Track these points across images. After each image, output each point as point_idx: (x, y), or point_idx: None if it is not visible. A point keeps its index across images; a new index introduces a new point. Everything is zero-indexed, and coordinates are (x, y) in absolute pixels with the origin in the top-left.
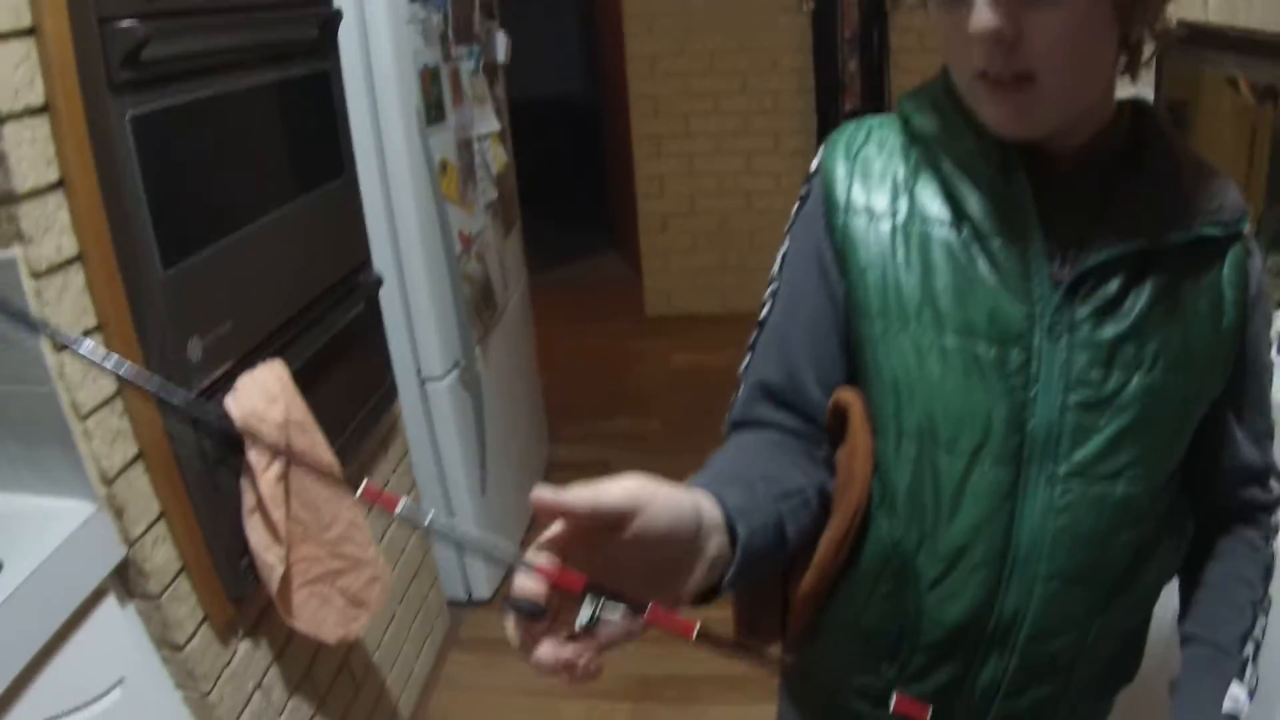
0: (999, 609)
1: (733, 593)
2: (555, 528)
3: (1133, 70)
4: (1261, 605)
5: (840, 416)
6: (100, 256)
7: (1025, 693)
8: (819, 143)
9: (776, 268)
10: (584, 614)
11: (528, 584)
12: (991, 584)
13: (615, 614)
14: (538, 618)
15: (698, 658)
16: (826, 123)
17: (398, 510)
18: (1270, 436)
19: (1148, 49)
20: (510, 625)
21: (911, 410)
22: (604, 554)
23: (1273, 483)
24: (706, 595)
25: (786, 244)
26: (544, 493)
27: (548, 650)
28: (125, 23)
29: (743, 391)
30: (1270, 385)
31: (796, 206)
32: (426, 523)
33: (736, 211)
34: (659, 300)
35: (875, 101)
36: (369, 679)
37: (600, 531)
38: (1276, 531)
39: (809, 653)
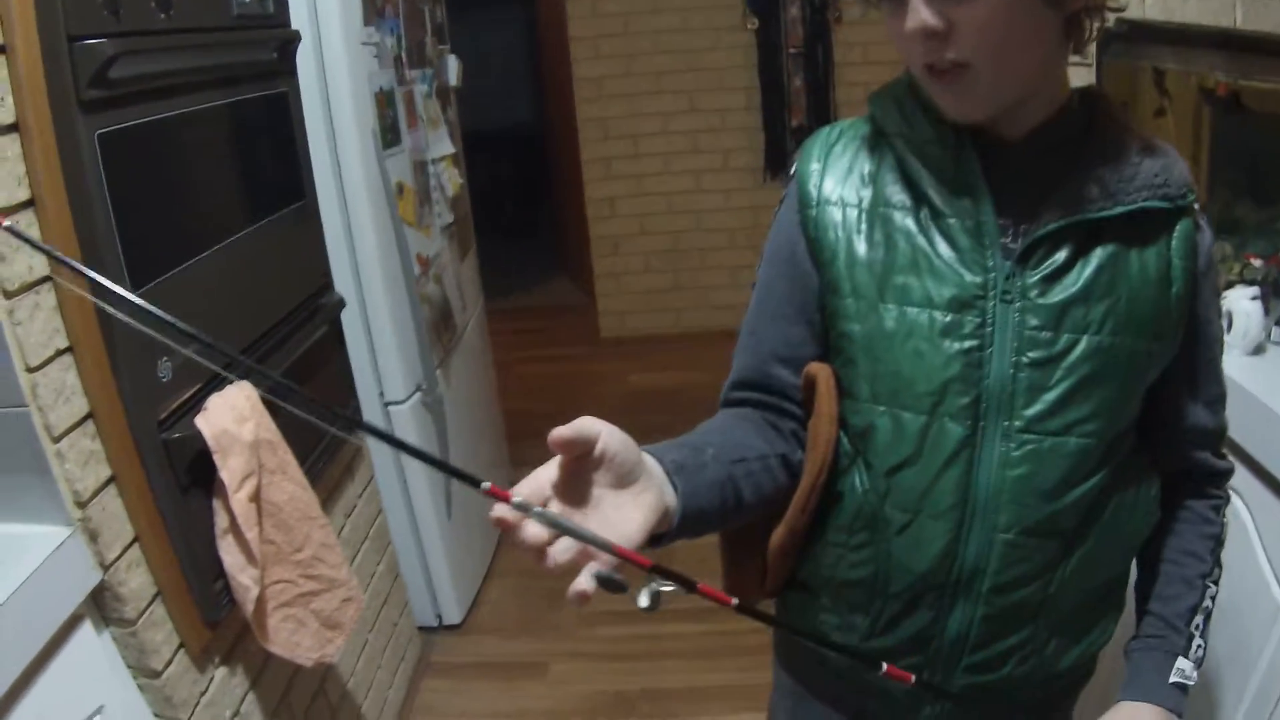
0: (961, 557)
1: (721, 549)
2: (553, 468)
3: (1078, 47)
4: (1210, 577)
5: (811, 388)
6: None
7: (995, 642)
8: (766, 160)
9: (759, 265)
10: (643, 599)
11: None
12: (953, 532)
13: (668, 589)
14: (622, 590)
15: (672, 670)
16: (773, 139)
17: (512, 502)
18: (1221, 402)
19: (1092, 26)
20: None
21: (878, 373)
22: (583, 479)
23: (1224, 450)
24: (660, 538)
25: (767, 243)
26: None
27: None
28: (94, 41)
29: (729, 377)
30: (1221, 353)
31: (777, 208)
32: (535, 511)
33: (687, 231)
34: (613, 322)
35: (820, 116)
36: (344, 706)
37: (581, 459)
38: (1227, 502)
39: (793, 610)
